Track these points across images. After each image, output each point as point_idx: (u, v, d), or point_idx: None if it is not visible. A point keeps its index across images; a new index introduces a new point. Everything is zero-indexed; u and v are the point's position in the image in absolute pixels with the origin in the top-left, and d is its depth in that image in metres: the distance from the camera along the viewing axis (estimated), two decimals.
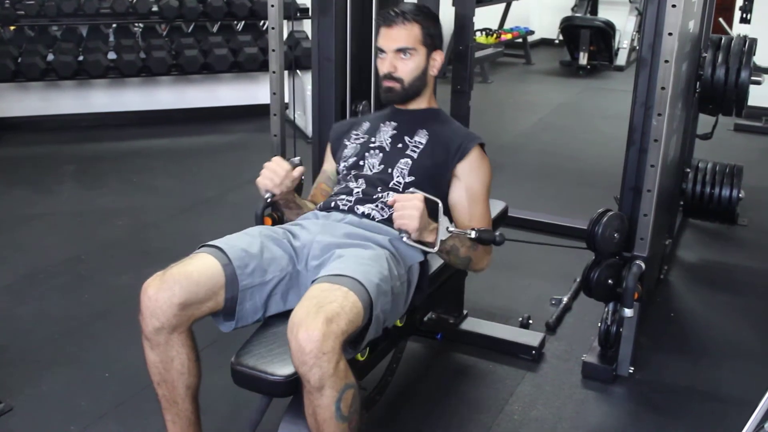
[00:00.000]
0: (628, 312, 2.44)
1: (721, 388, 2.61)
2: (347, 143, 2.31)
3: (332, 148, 2.38)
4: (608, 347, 2.64)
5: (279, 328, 1.90)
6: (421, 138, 2.20)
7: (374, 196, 2.13)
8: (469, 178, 2.15)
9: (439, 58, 2.25)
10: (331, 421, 1.67)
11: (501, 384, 2.60)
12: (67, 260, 3.51)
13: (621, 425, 2.45)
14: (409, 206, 1.90)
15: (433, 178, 2.14)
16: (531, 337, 2.80)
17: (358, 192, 2.16)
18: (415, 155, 2.17)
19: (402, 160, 2.17)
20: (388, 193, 2.12)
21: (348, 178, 2.22)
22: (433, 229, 1.96)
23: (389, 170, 2.16)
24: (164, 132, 5.73)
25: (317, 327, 1.60)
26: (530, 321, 2.93)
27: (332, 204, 2.17)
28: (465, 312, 2.91)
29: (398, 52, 2.16)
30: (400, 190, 2.12)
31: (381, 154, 2.21)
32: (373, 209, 2.11)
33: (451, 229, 1.99)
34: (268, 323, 1.95)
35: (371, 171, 2.19)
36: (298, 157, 2.23)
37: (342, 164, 2.28)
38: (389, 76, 2.18)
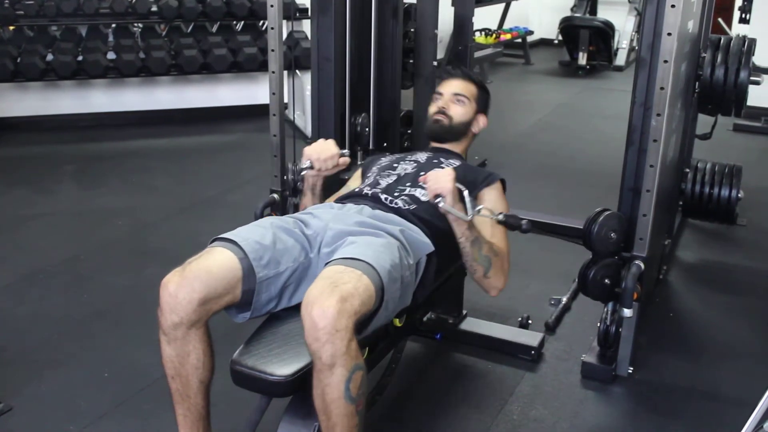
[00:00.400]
0: (627, 312, 2.44)
1: (720, 388, 2.61)
2: (382, 158, 2.48)
3: (363, 170, 2.49)
4: (607, 347, 2.64)
5: (278, 327, 1.91)
6: (455, 161, 2.39)
7: (399, 187, 2.24)
8: (494, 203, 2.28)
9: (482, 121, 2.52)
10: (339, 401, 1.67)
11: (500, 384, 2.60)
12: (67, 260, 3.51)
13: (620, 425, 2.45)
14: (442, 173, 2.03)
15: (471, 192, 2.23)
16: (530, 337, 2.80)
17: (384, 183, 2.26)
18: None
19: (436, 168, 2.29)
20: (416, 189, 2.21)
21: (379, 175, 2.33)
22: (461, 207, 2.04)
23: (422, 173, 2.24)
24: (163, 132, 5.73)
25: (332, 304, 1.63)
26: (529, 321, 2.93)
27: (356, 190, 2.26)
28: (464, 312, 2.91)
29: (454, 96, 2.46)
30: None
31: (415, 164, 2.37)
32: (397, 198, 2.19)
33: (479, 207, 2.07)
34: (267, 323, 1.95)
35: (403, 173, 2.32)
36: (348, 151, 2.33)
37: (374, 167, 2.41)
38: (441, 111, 2.45)
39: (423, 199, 2.18)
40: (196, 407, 1.91)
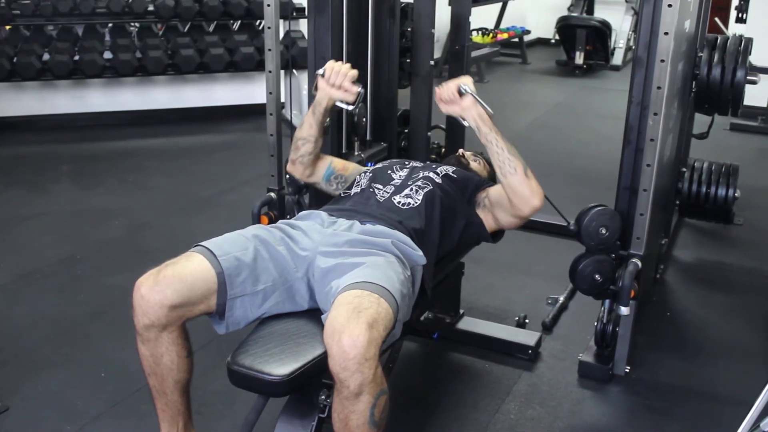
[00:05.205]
0: (624, 310, 2.44)
1: (717, 387, 2.62)
2: (379, 164, 2.48)
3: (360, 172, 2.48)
4: (605, 346, 2.64)
5: (275, 327, 1.90)
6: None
7: (414, 175, 2.27)
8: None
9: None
10: (363, 426, 1.66)
11: (497, 383, 2.60)
12: (63, 260, 3.51)
13: (617, 424, 2.45)
14: (449, 81, 2.15)
15: (467, 187, 2.32)
16: (527, 337, 2.80)
17: (398, 179, 2.27)
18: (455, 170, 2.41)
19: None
20: (429, 172, 2.29)
21: (390, 168, 2.34)
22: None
23: (434, 165, 2.37)
24: (160, 132, 5.72)
25: (362, 332, 1.59)
26: (527, 320, 2.93)
27: (352, 193, 2.26)
28: (461, 311, 2.91)
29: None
30: (441, 174, 2.29)
31: (425, 163, 2.44)
32: (407, 195, 2.19)
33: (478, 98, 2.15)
34: (264, 323, 1.94)
35: (418, 164, 2.39)
36: (362, 87, 2.31)
37: (381, 162, 2.44)
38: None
39: (437, 180, 2.25)
40: (174, 404, 1.92)
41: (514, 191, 2.12)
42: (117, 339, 2.78)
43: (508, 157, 2.11)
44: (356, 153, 2.95)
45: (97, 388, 2.53)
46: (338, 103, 2.31)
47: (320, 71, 2.29)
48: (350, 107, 2.32)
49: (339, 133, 2.88)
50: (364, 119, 2.95)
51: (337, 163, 2.48)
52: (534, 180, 2.13)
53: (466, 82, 2.13)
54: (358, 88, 2.27)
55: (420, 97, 3.24)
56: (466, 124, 2.17)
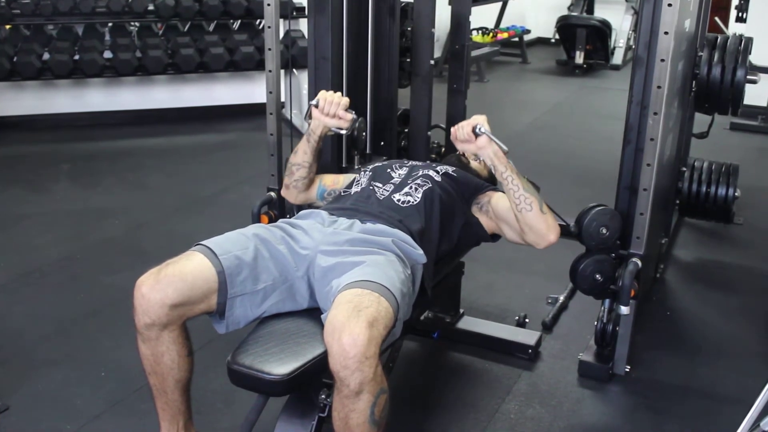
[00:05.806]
0: (624, 309, 2.44)
1: (717, 387, 2.62)
2: (377, 164, 2.48)
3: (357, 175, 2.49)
4: (605, 346, 2.64)
5: (275, 327, 1.90)
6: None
7: (414, 173, 2.27)
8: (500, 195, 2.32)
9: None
10: (363, 425, 1.67)
11: (497, 383, 2.60)
12: (62, 259, 3.51)
13: (617, 424, 2.45)
14: (464, 121, 2.16)
15: (467, 187, 2.32)
16: (527, 336, 2.80)
17: (397, 178, 2.27)
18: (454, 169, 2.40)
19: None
20: (428, 170, 2.29)
21: (390, 167, 2.34)
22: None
23: (434, 164, 2.38)
24: (160, 131, 5.72)
25: (362, 331, 1.60)
26: (527, 320, 2.93)
27: (353, 192, 2.25)
28: (461, 311, 2.91)
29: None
30: (441, 173, 2.30)
31: (410, 166, 2.40)
32: (407, 194, 2.19)
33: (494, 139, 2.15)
34: (264, 323, 1.94)
35: (418, 163, 2.40)
36: (355, 114, 2.38)
37: (380, 162, 2.45)
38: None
39: (437, 178, 2.25)
40: (174, 403, 1.93)
41: (531, 227, 2.14)
42: (117, 338, 2.78)
43: (524, 194, 2.12)
44: (356, 166, 2.95)
45: (96, 387, 2.53)
46: (333, 129, 2.39)
47: (314, 102, 2.35)
48: (345, 132, 2.40)
49: (339, 146, 2.87)
50: (364, 133, 2.95)
51: (327, 179, 2.51)
52: (550, 215, 2.15)
53: (480, 122, 2.13)
54: (351, 116, 2.34)
55: (420, 96, 3.23)
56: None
